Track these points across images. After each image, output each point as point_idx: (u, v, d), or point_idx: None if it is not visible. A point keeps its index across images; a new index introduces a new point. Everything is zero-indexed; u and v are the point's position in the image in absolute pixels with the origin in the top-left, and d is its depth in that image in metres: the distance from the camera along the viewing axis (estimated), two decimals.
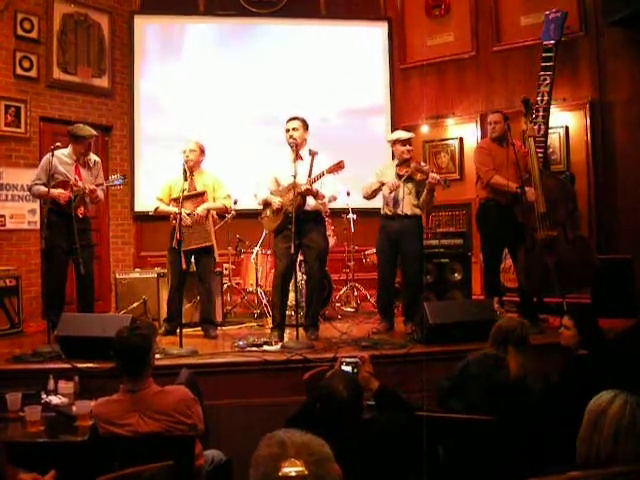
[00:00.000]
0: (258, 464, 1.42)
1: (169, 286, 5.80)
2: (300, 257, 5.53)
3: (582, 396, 2.08)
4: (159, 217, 5.89)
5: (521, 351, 3.33)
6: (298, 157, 5.33)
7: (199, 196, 5.58)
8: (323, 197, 5.30)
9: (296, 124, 5.36)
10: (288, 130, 5.35)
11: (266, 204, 5.48)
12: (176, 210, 5.36)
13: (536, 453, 2.58)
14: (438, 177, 5.39)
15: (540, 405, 3.05)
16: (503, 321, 3.58)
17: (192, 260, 5.70)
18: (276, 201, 5.35)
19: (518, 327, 3.46)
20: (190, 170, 5.63)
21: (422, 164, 5.70)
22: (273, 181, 5.49)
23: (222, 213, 5.92)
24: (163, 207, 5.69)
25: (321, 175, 5.13)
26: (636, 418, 1.88)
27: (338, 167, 5.12)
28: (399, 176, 5.59)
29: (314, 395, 2.85)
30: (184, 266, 5.43)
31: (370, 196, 5.77)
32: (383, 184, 5.64)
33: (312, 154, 5.23)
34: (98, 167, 5.77)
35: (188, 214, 5.45)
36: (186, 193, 5.45)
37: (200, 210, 5.52)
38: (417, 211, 5.63)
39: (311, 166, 5.20)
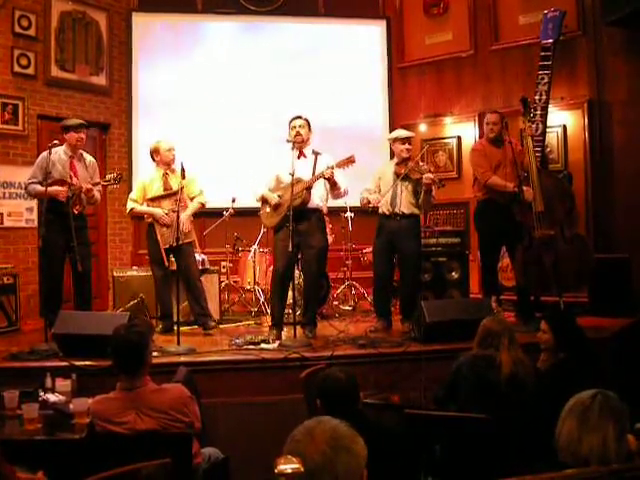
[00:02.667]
0: (297, 430, 1.46)
1: (155, 285, 5.80)
2: (299, 255, 5.54)
3: (565, 397, 2.10)
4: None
5: (511, 348, 3.34)
6: (301, 154, 5.35)
7: (175, 195, 5.56)
8: (340, 188, 5.34)
9: (302, 122, 5.43)
10: (294, 127, 5.39)
11: (264, 200, 5.50)
12: (154, 211, 5.53)
13: (532, 449, 2.58)
14: (432, 177, 5.38)
15: (534, 400, 3.06)
16: (487, 322, 3.57)
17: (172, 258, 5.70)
18: (274, 197, 5.38)
19: (503, 325, 3.49)
20: (169, 169, 5.67)
21: (420, 163, 5.69)
22: (274, 179, 5.51)
23: (200, 211, 5.92)
24: (139, 208, 5.70)
25: (332, 169, 5.16)
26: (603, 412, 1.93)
27: (348, 161, 5.15)
28: (397, 175, 5.59)
29: (313, 389, 2.87)
30: (166, 263, 5.50)
31: (365, 206, 5.83)
32: (370, 201, 5.71)
33: (315, 154, 5.27)
34: (94, 167, 5.78)
35: (166, 213, 5.47)
36: (162, 192, 5.58)
37: (185, 217, 5.52)
38: (415, 210, 5.62)
39: (314, 166, 5.22)
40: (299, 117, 5.46)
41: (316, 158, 5.26)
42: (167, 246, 5.48)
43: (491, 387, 3.19)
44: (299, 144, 5.33)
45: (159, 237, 5.51)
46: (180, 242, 5.35)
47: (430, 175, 5.39)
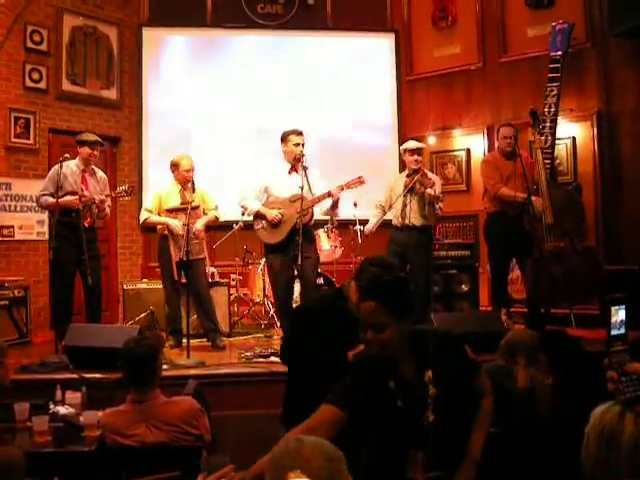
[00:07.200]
0: (274, 457, 1.44)
1: (166, 298, 5.81)
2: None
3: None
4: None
5: (531, 363, 3.31)
6: (293, 170, 5.36)
7: (194, 209, 5.59)
8: (339, 208, 5.43)
9: (303, 139, 5.39)
10: (297, 144, 5.34)
11: (259, 216, 5.46)
12: (169, 220, 5.54)
13: (544, 465, 2.56)
14: (432, 193, 5.48)
15: (548, 417, 3.03)
16: (513, 333, 3.56)
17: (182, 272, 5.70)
18: (274, 214, 5.33)
19: (527, 339, 3.45)
20: (188, 184, 5.68)
21: (429, 175, 5.72)
22: (262, 190, 5.49)
23: (213, 224, 5.97)
24: (153, 218, 5.72)
25: (341, 189, 5.19)
26: None
27: (358, 182, 5.18)
28: (405, 187, 5.63)
29: None
30: (176, 277, 5.55)
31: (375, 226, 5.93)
32: (382, 219, 5.79)
33: (304, 169, 5.24)
34: (104, 182, 5.83)
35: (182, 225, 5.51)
36: (180, 205, 5.60)
37: (200, 225, 5.57)
38: (425, 222, 5.64)
39: (307, 180, 5.21)
40: (301, 133, 5.41)
41: (305, 173, 5.23)
42: (178, 259, 5.48)
43: (506, 399, 3.16)
44: (296, 161, 5.33)
45: (171, 249, 5.53)
46: (191, 257, 5.36)
47: (430, 191, 5.49)
